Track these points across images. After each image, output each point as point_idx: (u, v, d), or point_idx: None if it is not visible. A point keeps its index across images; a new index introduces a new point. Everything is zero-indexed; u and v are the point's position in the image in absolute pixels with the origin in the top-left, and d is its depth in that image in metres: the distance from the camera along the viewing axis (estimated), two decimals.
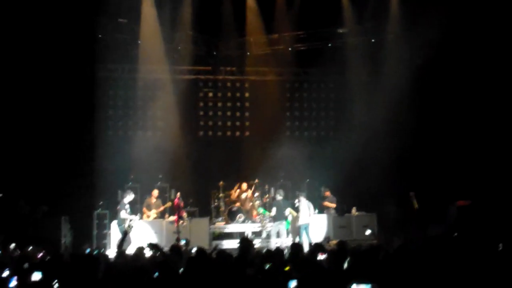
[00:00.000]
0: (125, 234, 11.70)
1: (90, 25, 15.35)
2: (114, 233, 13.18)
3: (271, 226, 13.85)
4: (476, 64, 15.12)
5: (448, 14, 14.60)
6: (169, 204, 14.16)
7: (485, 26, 14.71)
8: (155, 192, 14.38)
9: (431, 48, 15.42)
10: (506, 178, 14.29)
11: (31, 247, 10.32)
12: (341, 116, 17.59)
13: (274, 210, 13.65)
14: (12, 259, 8.70)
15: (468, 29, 14.95)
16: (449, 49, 15.43)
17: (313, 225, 13.74)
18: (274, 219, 13.72)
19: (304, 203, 13.54)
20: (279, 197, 13.77)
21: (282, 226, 13.60)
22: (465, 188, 14.34)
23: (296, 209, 13.62)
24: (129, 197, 12.71)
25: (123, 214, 12.42)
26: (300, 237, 13.23)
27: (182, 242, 11.67)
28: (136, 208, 14.05)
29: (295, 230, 13.71)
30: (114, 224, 13.22)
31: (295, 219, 13.64)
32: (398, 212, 14.48)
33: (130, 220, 12.37)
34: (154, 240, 12.49)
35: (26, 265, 7.26)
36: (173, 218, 13.54)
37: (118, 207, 12.58)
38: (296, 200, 13.84)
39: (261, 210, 14.41)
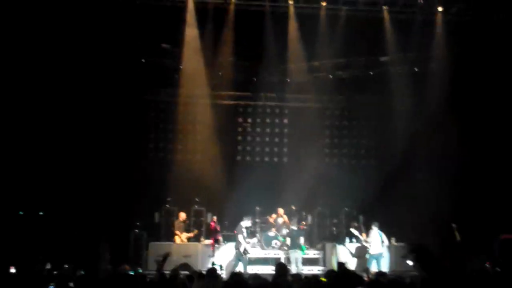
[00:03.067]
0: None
1: (134, 49, 15.80)
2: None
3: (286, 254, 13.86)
4: None
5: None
6: (195, 231, 14.25)
7: None
8: (182, 215, 14.41)
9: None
10: None
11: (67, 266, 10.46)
12: (381, 145, 17.33)
13: (288, 239, 13.76)
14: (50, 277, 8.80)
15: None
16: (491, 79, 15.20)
17: (386, 256, 13.73)
18: (289, 247, 13.72)
19: (375, 233, 13.64)
20: (293, 227, 13.87)
21: (298, 254, 13.52)
22: (509, 221, 13.91)
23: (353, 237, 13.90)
24: (247, 222, 13.29)
25: (240, 238, 12.93)
26: (369, 265, 13.25)
27: (217, 267, 11.60)
28: (171, 231, 14.13)
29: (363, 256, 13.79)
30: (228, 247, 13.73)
31: (362, 248, 13.77)
32: (439, 244, 14.05)
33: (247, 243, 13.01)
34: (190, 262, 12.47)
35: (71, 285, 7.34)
36: (209, 241, 13.52)
37: (235, 231, 13.16)
38: (353, 229, 13.99)
39: (279, 237, 14.50)
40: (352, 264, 13.72)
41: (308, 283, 7.22)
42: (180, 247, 13.72)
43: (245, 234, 13.04)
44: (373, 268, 13.18)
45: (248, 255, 13.14)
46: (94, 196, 14.70)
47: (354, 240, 14.33)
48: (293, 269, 13.04)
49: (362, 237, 14.09)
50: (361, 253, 14.02)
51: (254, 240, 14.09)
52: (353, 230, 14.34)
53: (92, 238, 13.75)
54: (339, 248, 14.09)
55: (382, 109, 17.02)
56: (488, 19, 15.18)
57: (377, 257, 13.51)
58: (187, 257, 13.04)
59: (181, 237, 14.11)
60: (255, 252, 14.25)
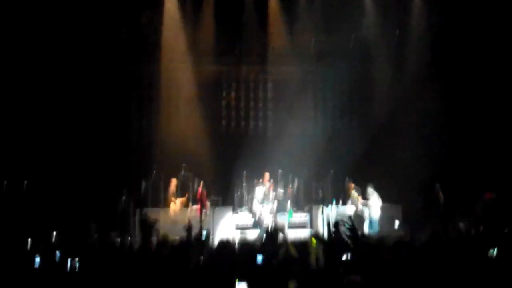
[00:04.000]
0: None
1: (112, 22, 15.66)
2: None
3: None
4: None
5: None
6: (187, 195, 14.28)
7: None
8: (174, 181, 14.40)
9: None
10: None
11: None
12: (366, 109, 17.40)
13: (276, 202, 13.91)
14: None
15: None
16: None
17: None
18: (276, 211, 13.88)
19: (374, 194, 13.83)
20: (280, 190, 13.97)
21: (285, 218, 13.65)
22: (492, 179, 14.16)
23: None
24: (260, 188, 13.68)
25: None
26: (370, 229, 13.42)
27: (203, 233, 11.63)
28: (160, 197, 14.14)
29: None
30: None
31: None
32: (423, 204, 14.30)
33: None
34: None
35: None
36: (196, 207, 13.55)
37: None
38: (353, 191, 14.18)
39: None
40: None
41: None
42: (168, 213, 13.74)
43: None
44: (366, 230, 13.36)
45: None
46: (79, 165, 14.64)
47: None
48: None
49: (359, 199, 14.22)
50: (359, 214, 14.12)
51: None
52: (353, 193, 14.37)
53: (77, 207, 13.70)
54: (331, 210, 14.12)
55: (364, 76, 17.06)
56: None
57: (376, 220, 13.70)
58: (175, 223, 13.03)
59: (175, 203, 14.12)
60: (243, 218, 14.36)
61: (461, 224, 12.63)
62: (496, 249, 7.48)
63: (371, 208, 13.90)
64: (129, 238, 12.62)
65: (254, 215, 13.82)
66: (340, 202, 14.48)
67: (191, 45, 16.53)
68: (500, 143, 14.89)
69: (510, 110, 15.15)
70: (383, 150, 15.43)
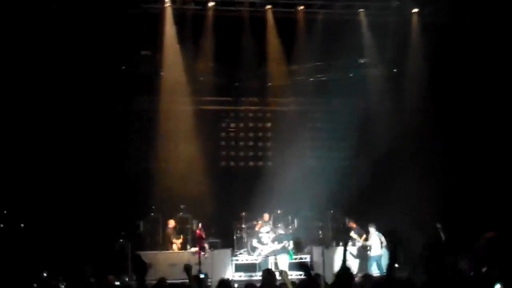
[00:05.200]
0: None
1: (113, 58, 15.67)
2: None
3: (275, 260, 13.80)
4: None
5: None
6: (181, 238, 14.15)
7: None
8: (171, 222, 14.33)
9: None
10: None
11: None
12: (364, 147, 17.39)
13: (276, 243, 13.79)
14: None
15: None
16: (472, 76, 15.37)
17: (385, 257, 13.68)
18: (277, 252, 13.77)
19: (374, 234, 13.84)
20: (281, 231, 13.95)
21: (285, 259, 13.56)
22: (494, 219, 14.03)
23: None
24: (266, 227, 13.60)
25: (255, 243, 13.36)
26: (368, 268, 13.31)
27: (202, 276, 11.51)
28: (158, 239, 14.01)
29: (363, 258, 13.93)
30: None
31: (364, 248, 13.97)
32: (425, 245, 14.15)
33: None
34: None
35: None
36: (194, 249, 13.42)
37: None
38: (352, 232, 14.13)
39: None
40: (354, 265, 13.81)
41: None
42: (166, 256, 13.61)
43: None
44: (374, 270, 13.30)
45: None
46: (76, 208, 14.47)
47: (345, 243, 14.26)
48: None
49: (361, 239, 14.13)
50: (362, 255, 14.13)
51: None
52: (352, 234, 14.30)
53: (74, 250, 13.53)
54: (338, 250, 14.11)
55: (363, 111, 17.05)
56: (462, 20, 15.34)
57: (378, 259, 13.60)
58: (173, 265, 12.90)
59: (177, 244, 14.00)
60: (243, 258, 14.21)
61: (462, 263, 12.50)
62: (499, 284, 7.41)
63: (371, 247, 13.79)
64: (126, 279, 12.50)
65: (255, 255, 13.62)
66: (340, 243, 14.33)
67: (190, 79, 16.58)
68: (503, 181, 14.77)
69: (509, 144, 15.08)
70: (383, 188, 15.36)
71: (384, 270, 12.84)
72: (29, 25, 14.27)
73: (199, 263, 12.77)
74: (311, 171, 16.83)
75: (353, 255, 14.16)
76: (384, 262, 13.52)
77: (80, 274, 12.46)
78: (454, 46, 15.46)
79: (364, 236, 14.19)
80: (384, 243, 13.71)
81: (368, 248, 13.91)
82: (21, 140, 14.55)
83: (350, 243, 14.33)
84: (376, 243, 13.75)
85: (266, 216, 14.75)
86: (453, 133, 15.59)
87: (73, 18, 14.64)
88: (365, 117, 17.09)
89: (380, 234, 13.78)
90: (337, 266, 13.91)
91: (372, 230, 13.92)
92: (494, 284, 7.77)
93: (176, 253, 13.90)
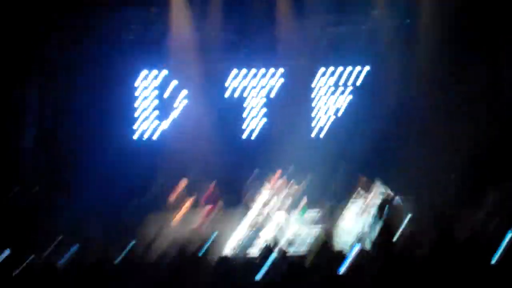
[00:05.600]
0: None
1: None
2: None
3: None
4: None
5: None
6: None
7: None
8: (183, 181, 14.33)
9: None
10: None
11: None
12: (377, 104, 17.02)
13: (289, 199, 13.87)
14: None
15: None
16: None
17: None
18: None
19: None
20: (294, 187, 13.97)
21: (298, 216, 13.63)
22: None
23: None
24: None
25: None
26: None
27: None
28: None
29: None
30: None
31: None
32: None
33: None
34: None
35: None
36: (207, 207, 13.46)
37: None
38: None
39: None
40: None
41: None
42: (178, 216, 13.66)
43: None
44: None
45: None
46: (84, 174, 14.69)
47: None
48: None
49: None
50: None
51: None
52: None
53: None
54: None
55: (375, 67, 16.69)
56: None
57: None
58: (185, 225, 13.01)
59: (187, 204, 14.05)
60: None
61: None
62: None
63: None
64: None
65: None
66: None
67: (197, 40, 16.39)
68: None
69: None
70: (395, 144, 15.15)
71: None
72: None
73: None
74: (323, 129, 16.64)
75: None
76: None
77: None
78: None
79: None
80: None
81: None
82: None
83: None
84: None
85: (278, 172, 14.66)
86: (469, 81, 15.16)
87: None
88: (377, 74, 16.74)
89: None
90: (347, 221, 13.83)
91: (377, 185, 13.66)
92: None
93: (189, 213, 13.90)
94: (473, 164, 14.30)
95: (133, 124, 16.91)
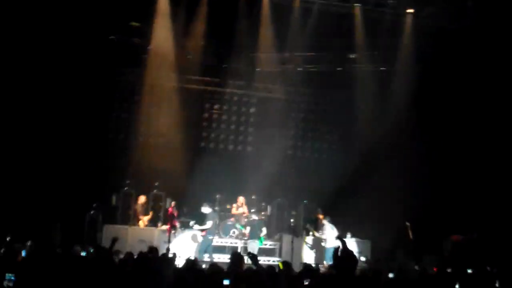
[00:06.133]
0: None
1: (101, 27, 15.43)
2: None
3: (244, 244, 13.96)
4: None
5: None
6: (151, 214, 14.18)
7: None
8: (142, 198, 14.27)
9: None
10: (503, 214, 14.23)
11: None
12: (344, 140, 17.50)
13: (248, 228, 13.89)
14: None
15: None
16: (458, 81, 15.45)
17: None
18: (248, 237, 13.82)
19: (328, 226, 13.94)
20: (254, 217, 14.00)
21: (255, 244, 13.62)
22: (462, 222, 14.31)
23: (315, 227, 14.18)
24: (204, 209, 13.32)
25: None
26: (327, 260, 13.30)
27: (170, 255, 11.55)
28: (129, 214, 13.98)
29: (319, 250, 14.17)
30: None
31: (318, 240, 14.17)
32: (392, 241, 14.42)
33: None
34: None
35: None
36: (166, 227, 13.41)
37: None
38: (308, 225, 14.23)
39: (238, 225, 14.49)
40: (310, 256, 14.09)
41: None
42: (136, 231, 13.62)
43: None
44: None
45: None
46: (49, 176, 14.29)
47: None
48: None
49: (316, 232, 14.28)
50: (317, 246, 14.28)
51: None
52: (308, 226, 14.45)
53: (44, 218, 13.41)
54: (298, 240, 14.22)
55: (348, 106, 17.07)
56: (456, 23, 15.35)
57: (333, 250, 13.66)
58: (142, 242, 12.88)
59: (144, 221, 14.01)
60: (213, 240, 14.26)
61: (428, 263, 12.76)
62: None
63: (326, 240, 14.00)
64: (91, 250, 12.44)
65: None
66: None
67: (178, 56, 16.38)
68: (474, 186, 14.96)
69: (489, 150, 15.22)
70: (359, 182, 15.46)
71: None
72: None
73: (168, 241, 12.80)
74: (290, 160, 16.90)
75: (309, 247, 14.40)
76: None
77: (47, 242, 12.42)
78: (446, 51, 15.50)
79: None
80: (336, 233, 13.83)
81: (323, 240, 14.05)
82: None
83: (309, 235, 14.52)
84: (330, 235, 13.80)
85: (240, 199, 14.78)
86: (433, 136, 15.69)
87: None
88: (349, 112, 17.15)
89: (333, 226, 13.91)
90: (305, 255, 14.14)
91: (326, 222, 14.03)
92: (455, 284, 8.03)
93: (146, 229, 13.89)
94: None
95: None
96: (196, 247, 13.42)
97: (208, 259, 12.95)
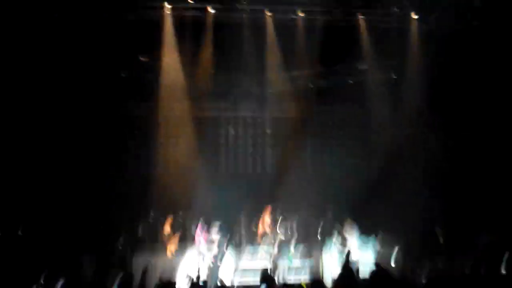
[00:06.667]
0: None
1: (111, 63, 15.72)
2: None
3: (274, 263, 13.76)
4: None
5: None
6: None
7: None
8: (167, 228, 14.27)
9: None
10: None
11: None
12: (363, 153, 17.41)
13: (276, 248, 13.84)
14: None
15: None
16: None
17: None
18: (276, 256, 13.76)
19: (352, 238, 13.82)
20: (282, 237, 13.96)
21: (285, 263, 13.56)
22: (493, 221, 14.04)
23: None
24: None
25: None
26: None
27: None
28: (157, 243, 13.96)
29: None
30: None
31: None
32: (423, 246, 14.15)
33: None
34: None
35: None
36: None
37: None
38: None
39: (266, 248, 14.31)
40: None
41: None
42: (164, 260, 13.54)
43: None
44: None
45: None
46: (75, 212, 14.41)
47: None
48: (280, 278, 12.96)
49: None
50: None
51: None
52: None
53: (74, 255, 13.42)
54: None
55: (363, 117, 17.05)
56: (463, 27, 15.41)
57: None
58: (172, 269, 12.81)
59: (171, 250, 13.95)
60: (243, 263, 14.13)
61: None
62: None
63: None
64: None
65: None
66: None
67: (189, 85, 16.56)
68: (500, 185, 14.76)
69: (508, 148, 15.08)
70: (383, 193, 15.31)
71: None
72: (29, 30, 14.34)
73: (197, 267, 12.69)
74: (310, 177, 16.81)
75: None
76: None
77: (79, 278, 12.40)
78: (454, 55, 15.51)
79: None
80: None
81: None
82: (20, 143, 14.51)
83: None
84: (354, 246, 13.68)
85: (267, 219, 14.66)
86: (450, 138, 15.57)
87: (73, 24, 14.72)
88: (365, 124, 17.13)
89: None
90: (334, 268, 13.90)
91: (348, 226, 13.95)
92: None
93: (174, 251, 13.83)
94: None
95: None
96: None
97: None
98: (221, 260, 13.15)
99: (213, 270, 13.06)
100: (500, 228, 13.92)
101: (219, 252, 13.15)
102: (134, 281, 8.52)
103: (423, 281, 8.60)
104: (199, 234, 13.43)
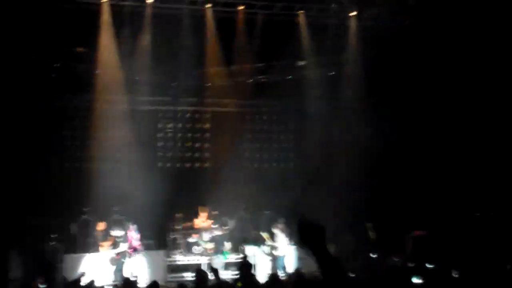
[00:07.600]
0: None
1: (46, 53, 15.19)
2: None
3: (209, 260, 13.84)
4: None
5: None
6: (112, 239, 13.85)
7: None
8: (100, 225, 13.96)
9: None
10: (463, 209, 14.54)
11: None
12: (300, 148, 17.64)
13: (212, 244, 13.91)
14: None
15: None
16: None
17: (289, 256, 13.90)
18: (213, 252, 13.87)
19: (280, 234, 13.85)
20: (217, 232, 14.04)
21: (220, 260, 13.66)
22: (422, 218, 14.54)
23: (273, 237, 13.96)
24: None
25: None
26: (277, 268, 13.37)
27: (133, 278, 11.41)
28: (90, 241, 13.67)
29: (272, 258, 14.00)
30: None
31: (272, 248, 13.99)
32: (355, 243, 14.53)
33: None
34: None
35: None
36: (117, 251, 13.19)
37: None
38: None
39: (201, 242, 14.30)
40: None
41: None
42: (95, 258, 13.33)
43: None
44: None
45: None
46: (5, 208, 13.93)
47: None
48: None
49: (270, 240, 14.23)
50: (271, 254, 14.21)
51: None
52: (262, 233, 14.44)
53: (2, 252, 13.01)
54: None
55: (300, 113, 17.23)
56: (399, 23, 15.73)
57: (282, 258, 13.85)
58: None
59: (104, 247, 13.71)
60: (178, 259, 14.10)
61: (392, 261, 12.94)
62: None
63: (277, 248, 14.01)
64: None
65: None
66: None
67: (126, 78, 16.19)
68: (430, 182, 15.26)
69: (446, 143, 15.54)
70: (317, 189, 15.53)
71: (286, 269, 13.15)
72: None
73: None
74: (248, 172, 16.88)
75: (265, 254, 14.28)
76: (288, 261, 13.77)
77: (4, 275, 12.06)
78: (390, 51, 15.82)
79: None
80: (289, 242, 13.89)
81: (276, 248, 14.00)
82: None
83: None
84: (282, 243, 13.87)
85: (202, 215, 14.63)
86: (386, 135, 15.92)
87: (7, 13, 14.12)
88: (302, 120, 17.31)
89: (287, 234, 13.92)
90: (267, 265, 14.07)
91: (277, 231, 14.00)
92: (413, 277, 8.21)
93: (104, 255, 13.58)
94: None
95: None
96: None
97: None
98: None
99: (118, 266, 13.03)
100: (429, 222, 14.51)
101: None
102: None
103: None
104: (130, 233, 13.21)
